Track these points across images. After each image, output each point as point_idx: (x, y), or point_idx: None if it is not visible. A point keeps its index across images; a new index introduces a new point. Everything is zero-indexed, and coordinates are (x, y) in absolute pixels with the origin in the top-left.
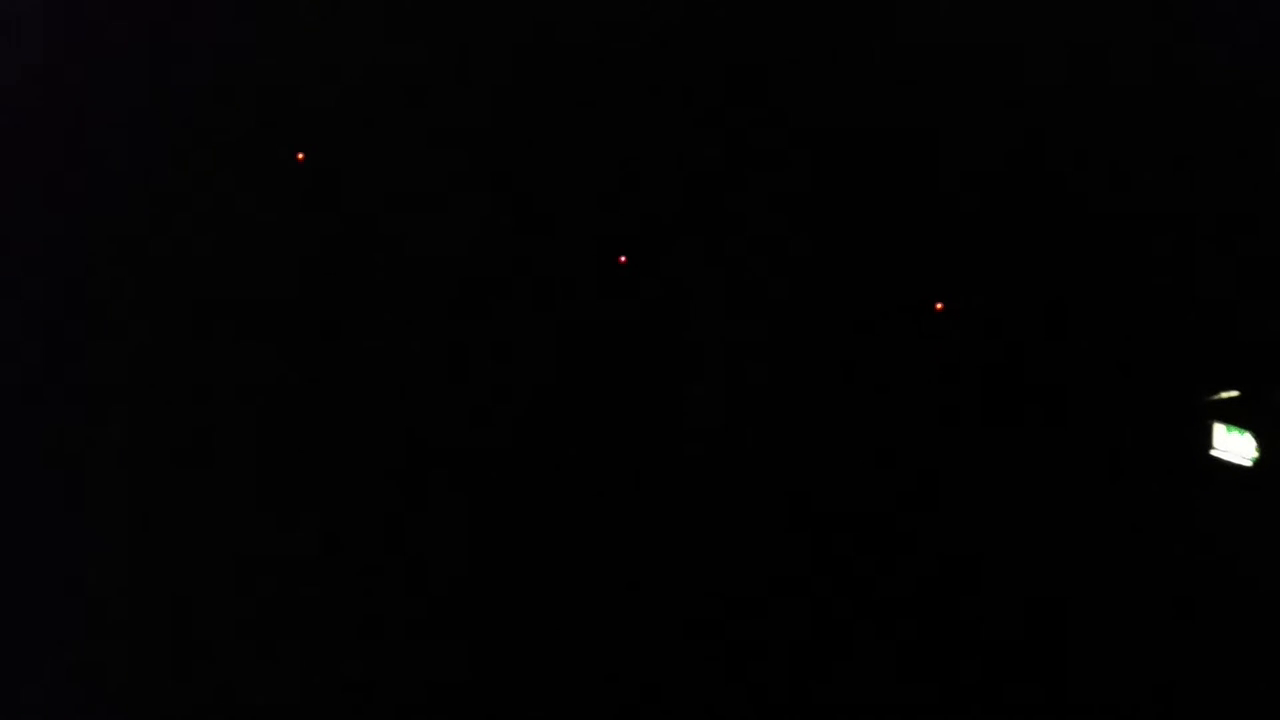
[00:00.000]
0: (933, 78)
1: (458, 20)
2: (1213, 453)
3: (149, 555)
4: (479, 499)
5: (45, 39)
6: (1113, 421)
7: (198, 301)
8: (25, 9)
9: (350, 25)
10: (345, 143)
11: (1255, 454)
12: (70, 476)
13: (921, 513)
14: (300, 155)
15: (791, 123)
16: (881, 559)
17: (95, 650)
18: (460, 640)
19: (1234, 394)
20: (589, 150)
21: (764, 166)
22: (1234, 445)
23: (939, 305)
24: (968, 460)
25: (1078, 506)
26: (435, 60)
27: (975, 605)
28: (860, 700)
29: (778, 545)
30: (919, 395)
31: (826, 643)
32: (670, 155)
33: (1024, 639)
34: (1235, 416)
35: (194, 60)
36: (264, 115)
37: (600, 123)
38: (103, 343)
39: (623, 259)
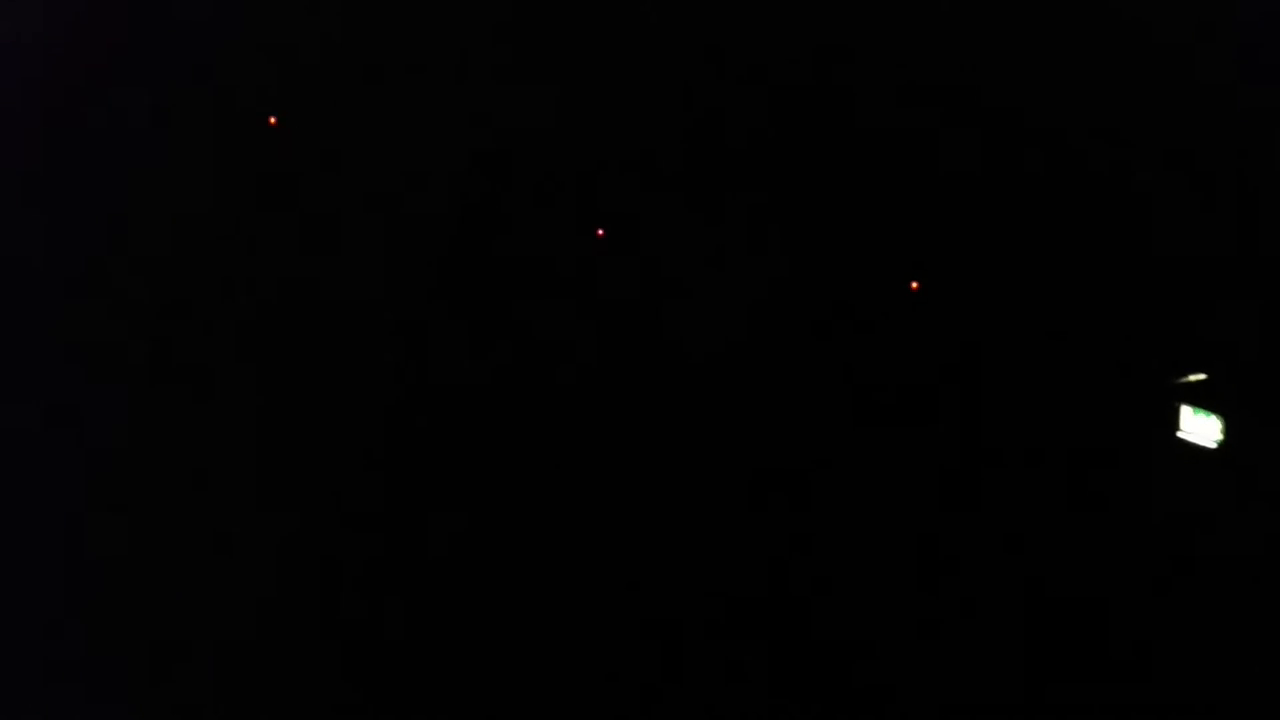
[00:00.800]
0: (916, 63)
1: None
2: (1179, 435)
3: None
4: (464, 491)
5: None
6: (1081, 403)
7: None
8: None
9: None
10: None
11: (1221, 436)
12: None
13: (891, 493)
14: (273, 119)
15: (774, 104)
16: (855, 543)
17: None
18: (452, 638)
19: (1201, 377)
20: (570, 126)
21: (744, 144)
22: (1200, 428)
23: (914, 284)
24: (936, 440)
25: (1045, 488)
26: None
27: (947, 587)
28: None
29: (764, 534)
30: (891, 375)
31: (812, 632)
32: (651, 131)
33: (994, 620)
34: (1202, 399)
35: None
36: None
37: (582, 97)
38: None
39: (600, 232)
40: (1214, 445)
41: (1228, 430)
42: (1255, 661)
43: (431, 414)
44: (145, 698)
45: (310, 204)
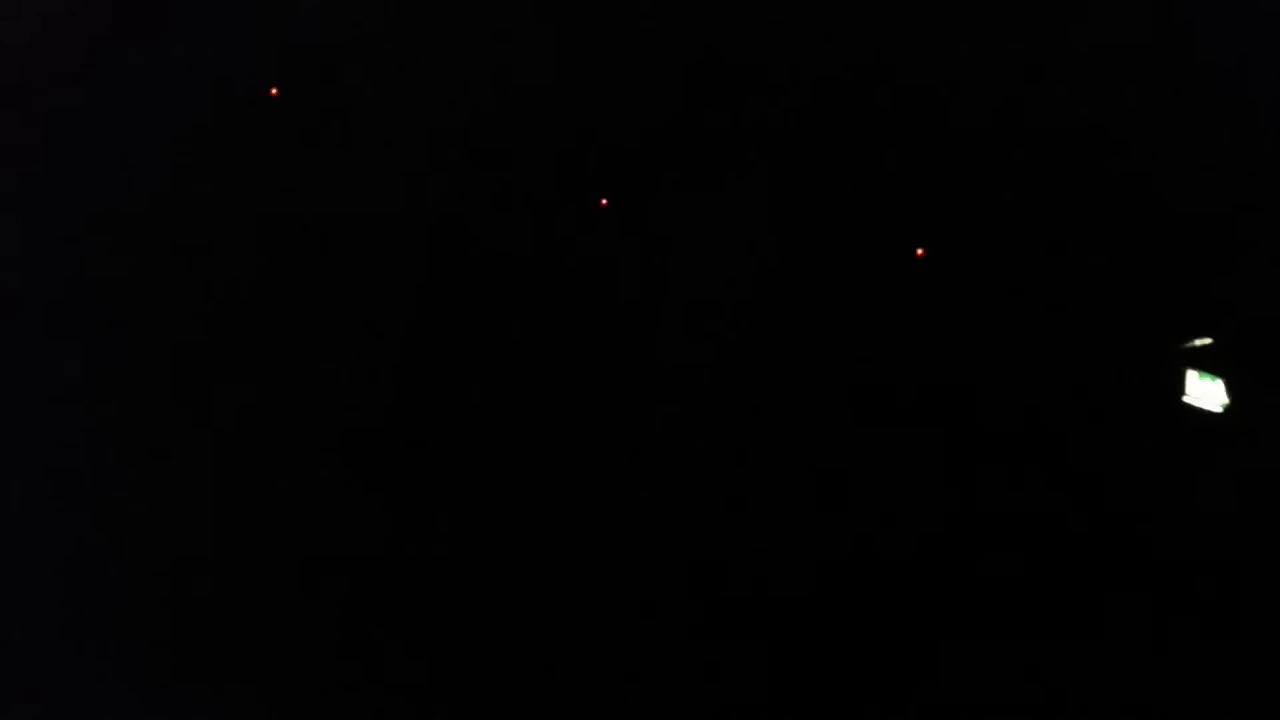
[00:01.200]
0: (928, 40)
1: None
2: (1185, 399)
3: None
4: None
5: None
6: (1084, 368)
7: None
8: None
9: None
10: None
11: (1226, 401)
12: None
13: (892, 464)
14: (274, 90)
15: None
16: (854, 513)
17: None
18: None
19: (1207, 341)
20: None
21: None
22: (1206, 392)
23: (920, 251)
24: (940, 406)
25: (1049, 456)
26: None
27: (948, 555)
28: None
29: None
30: (893, 343)
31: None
32: (656, 97)
33: (994, 586)
34: (1208, 363)
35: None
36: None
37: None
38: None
39: (604, 202)
40: (1219, 410)
41: (1233, 395)
42: (1266, 629)
43: (430, 402)
44: (143, 696)
45: (307, 191)
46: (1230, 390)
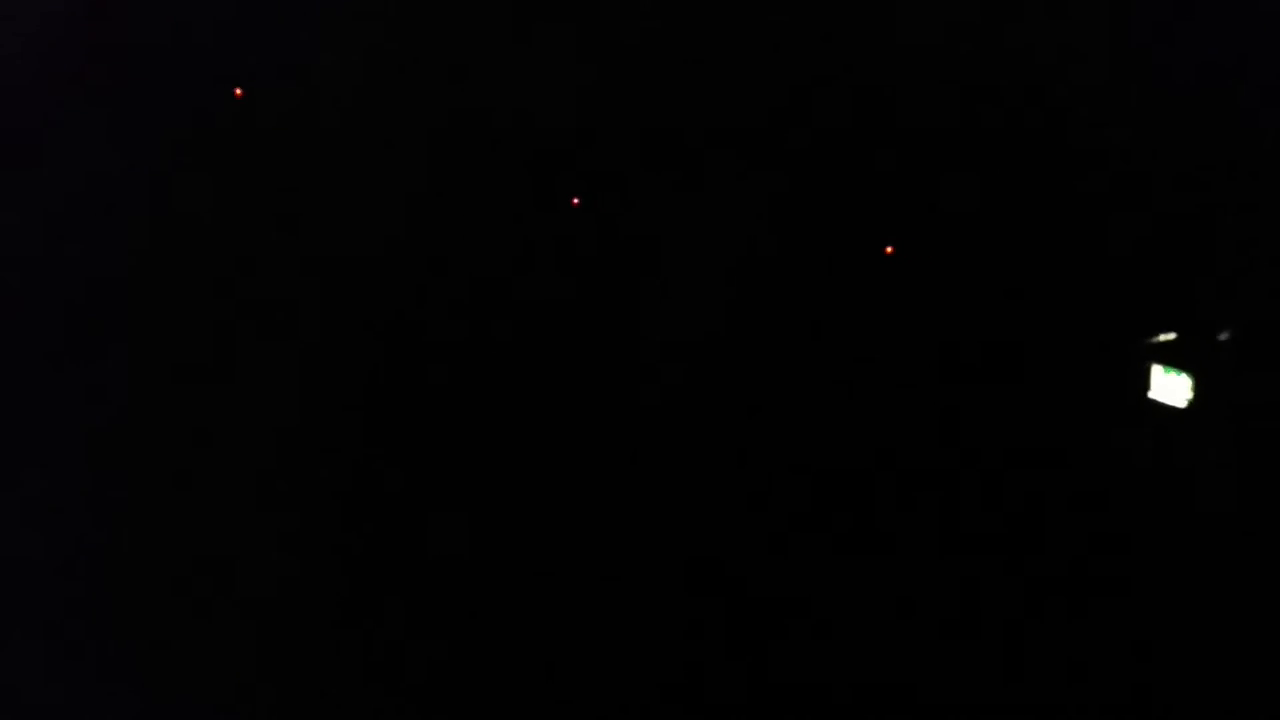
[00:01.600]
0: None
1: None
2: (1150, 395)
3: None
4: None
5: None
6: (1050, 363)
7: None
8: None
9: None
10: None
11: (1192, 396)
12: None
13: (863, 461)
14: (238, 91)
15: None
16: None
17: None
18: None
19: (1172, 336)
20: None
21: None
22: (1171, 387)
23: (889, 249)
24: (907, 403)
25: (1013, 452)
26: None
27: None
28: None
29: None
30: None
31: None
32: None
33: (959, 583)
34: (1173, 358)
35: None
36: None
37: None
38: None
39: (575, 201)
40: (1184, 405)
41: (1199, 389)
42: (1231, 622)
43: (430, 403)
44: (143, 696)
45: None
46: (1196, 385)
